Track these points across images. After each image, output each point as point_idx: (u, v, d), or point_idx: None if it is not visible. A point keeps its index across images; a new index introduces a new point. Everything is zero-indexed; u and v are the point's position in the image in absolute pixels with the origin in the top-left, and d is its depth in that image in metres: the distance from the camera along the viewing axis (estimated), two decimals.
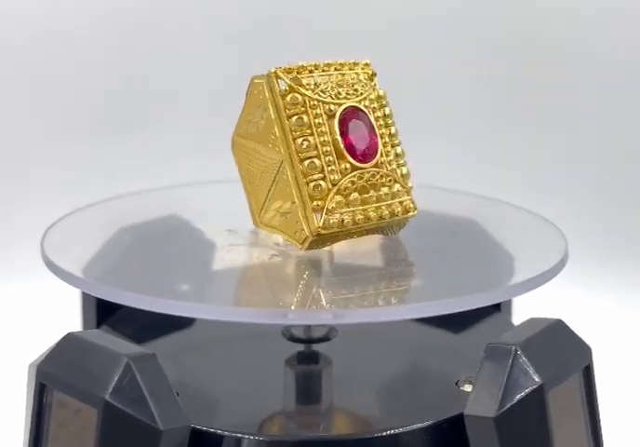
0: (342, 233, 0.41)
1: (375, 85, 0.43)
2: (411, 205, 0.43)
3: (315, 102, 0.41)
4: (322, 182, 0.40)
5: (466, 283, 0.41)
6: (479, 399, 0.37)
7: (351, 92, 0.42)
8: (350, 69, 0.42)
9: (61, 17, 0.78)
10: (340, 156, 0.41)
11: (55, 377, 0.37)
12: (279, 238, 0.43)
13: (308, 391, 0.42)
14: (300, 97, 0.40)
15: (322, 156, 0.40)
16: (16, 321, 0.73)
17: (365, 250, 0.43)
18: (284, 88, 0.41)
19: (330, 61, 0.42)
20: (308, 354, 0.43)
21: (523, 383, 0.37)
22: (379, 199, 0.42)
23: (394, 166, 0.42)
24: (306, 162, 0.40)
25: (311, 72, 0.41)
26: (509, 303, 0.50)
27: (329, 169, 0.40)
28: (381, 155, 0.42)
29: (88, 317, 0.48)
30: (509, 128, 0.80)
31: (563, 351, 0.39)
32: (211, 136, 0.77)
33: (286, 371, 0.42)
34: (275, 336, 0.43)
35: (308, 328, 0.43)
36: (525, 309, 0.51)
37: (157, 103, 0.79)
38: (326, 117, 0.41)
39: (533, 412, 0.37)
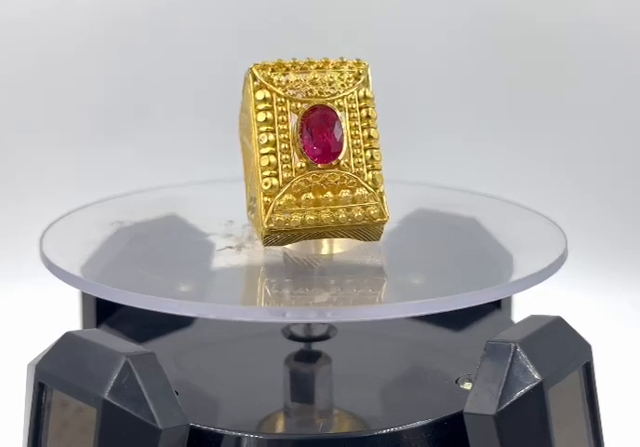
0: (302, 232, 0.40)
1: (362, 84, 0.41)
2: (376, 211, 0.40)
3: (282, 100, 0.40)
4: (274, 179, 0.39)
5: (466, 280, 0.41)
6: (479, 397, 0.37)
7: (325, 91, 0.40)
8: (334, 67, 0.41)
9: (61, 16, 0.78)
10: (297, 155, 0.40)
11: (53, 376, 0.37)
12: None
13: (308, 390, 0.42)
14: (267, 93, 0.40)
15: (279, 154, 0.40)
16: (15, 321, 0.73)
17: (363, 248, 0.43)
18: (257, 84, 0.40)
19: (313, 59, 0.41)
20: (308, 352, 0.43)
21: (523, 380, 0.37)
22: (336, 202, 0.40)
23: (363, 169, 0.40)
24: (263, 158, 0.40)
25: (287, 69, 0.40)
26: (509, 300, 0.50)
27: (284, 166, 0.40)
28: (347, 156, 0.40)
29: (88, 316, 0.48)
30: (509, 126, 0.80)
31: (563, 348, 0.39)
32: (211, 136, 0.77)
33: (285, 369, 0.42)
34: (275, 335, 0.43)
35: (307, 326, 0.43)
36: (525, 307, 0.51)
37: (157, 103, 0.79)
38: (293, 115, 0.40)
39: (533, 409, 0.37)
